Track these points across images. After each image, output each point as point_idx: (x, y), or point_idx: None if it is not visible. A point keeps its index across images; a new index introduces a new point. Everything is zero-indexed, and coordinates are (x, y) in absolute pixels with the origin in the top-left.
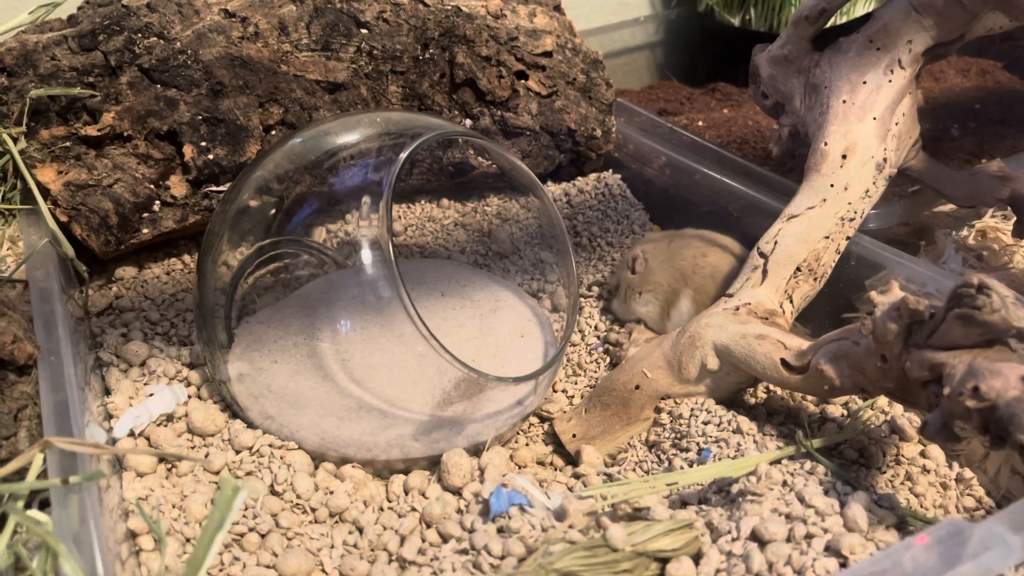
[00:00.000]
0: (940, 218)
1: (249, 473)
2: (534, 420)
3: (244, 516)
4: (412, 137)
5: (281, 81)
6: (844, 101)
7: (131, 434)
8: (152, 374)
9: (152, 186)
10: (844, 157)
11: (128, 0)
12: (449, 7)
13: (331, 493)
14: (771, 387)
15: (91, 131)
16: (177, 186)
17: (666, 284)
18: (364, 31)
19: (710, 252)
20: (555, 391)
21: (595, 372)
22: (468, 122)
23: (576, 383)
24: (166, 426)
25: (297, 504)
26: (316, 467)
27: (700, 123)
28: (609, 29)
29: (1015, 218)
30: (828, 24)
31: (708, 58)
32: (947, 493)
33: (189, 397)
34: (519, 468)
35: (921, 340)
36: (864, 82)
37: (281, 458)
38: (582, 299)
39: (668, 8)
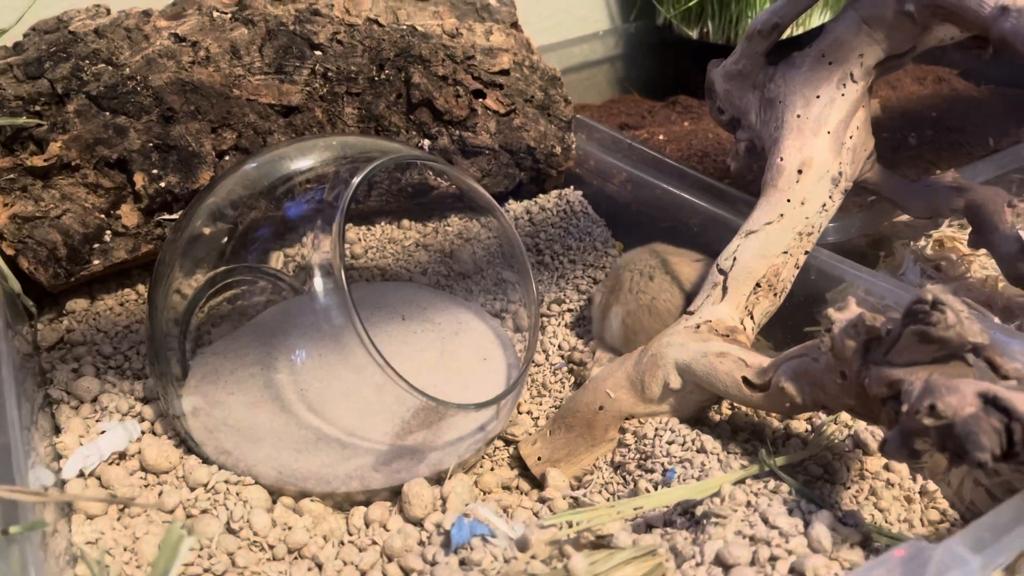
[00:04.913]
0: (898, 228)
1: (204, 511)
2: (499, 443)
3: (199, 556)
4: (367, 162)
5: (234, 105)
6: (798, 116)
7: (81, 474)
8: (104, 410)
9: (102, 216)
10: (800, 172)
11: (75, 26)
12: (404, 27)
13: (289, 529)
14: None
15: (37, 161)
16: (128, 215)
17: (604, 294)
18: (318, 53)
19: (658, 279)
20: (520, 413)
21: (560, 392)
22: (426, 142)
23: (541, 404)
24: (118, 464)
25: (254, 542)
26: (274, 502)
27: (661, 136)
28: (568, 44)
29: (970, 227)
30: (783, 36)
31: (668, 71)
32: (911, 506)
33: (143, 433)
34: (484, 494)
35: (879, 357)
36: (817, 96)
37: (237, 494)
38: (545, 318)
39: (627, 22)
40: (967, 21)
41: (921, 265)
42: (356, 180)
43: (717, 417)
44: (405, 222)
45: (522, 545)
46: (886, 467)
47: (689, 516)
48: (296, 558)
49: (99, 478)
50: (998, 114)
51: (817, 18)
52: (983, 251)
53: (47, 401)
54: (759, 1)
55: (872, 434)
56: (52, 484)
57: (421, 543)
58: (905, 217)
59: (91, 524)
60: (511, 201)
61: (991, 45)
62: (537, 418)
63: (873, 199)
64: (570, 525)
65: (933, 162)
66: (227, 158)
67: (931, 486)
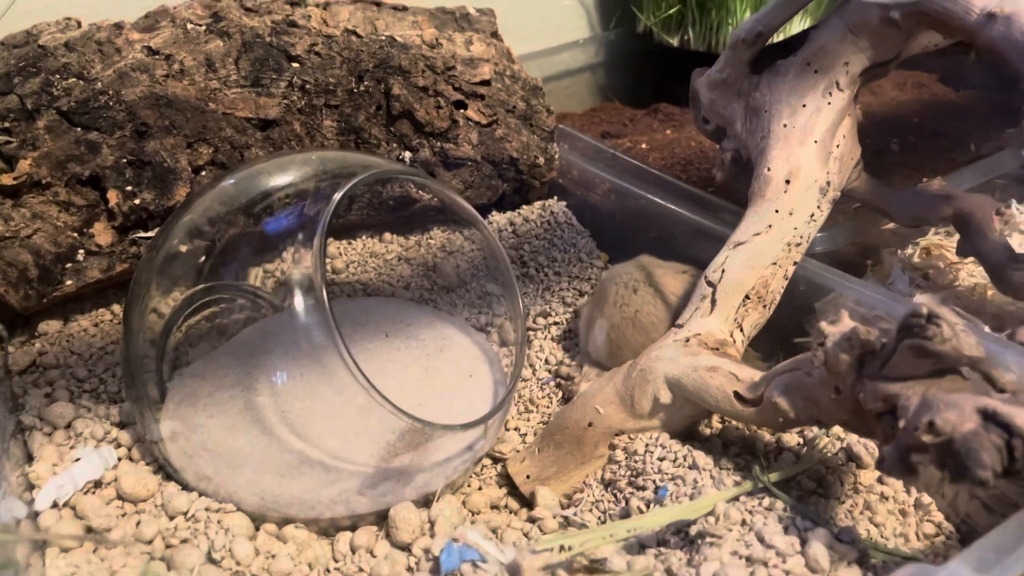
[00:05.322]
0: (886, 236)
1: (184, 541)
2: (487, 462)
3: None
4: (347, 177)
5: (210, 120)
6: (785, 125)
7: (55, 505)
8: (79, 436)
9: (75, 235)
10: (788, 182)
11: (45, 40)
12: (383, 38)
13: (273, 557)
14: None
15: (6, 180)
16: (102, 234)
17: (590, 307)
18: (295, 65)
19: (642, 292)
20: (507, 429)
21: (547, 407)
22: (407, 155)
23: (528, 419)
24: (94, 493)
25: (237, 571)
26: (256, 529)
27: (644, 145)
28: (549, 52)
29: (959, 235)
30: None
31: (649, 79)
32: (906, 520)
33: (119, 459)
34: (472, 515)
35: (874, 371)
36: (804, 105)
37: (218, 522)
38: (531, 331)
39: (607, 30)
40: (952, 28)
41: (909, 274)
42: (337, 196)
43: (707, 431)
44: (387, 235)
45: (513, 570)
46: (880, 480)
47: (683, 535)
48: None
49: (74, 508)
50: (979, 119)
51: (797, 24)
52: (971, 259)
53: (19, 428)
54: (739, 9)
55: (865, 447)
56: (24, 516)
57: (409, 569)
58: (892, 225)
59: (66, 558)
60: (494, 213)
61: (974, 51)
62: (525, 435)
63: (858, 207)
64: (562, 549)
65: (916, 168)
66: (203, 174)
67: (925, 499)
